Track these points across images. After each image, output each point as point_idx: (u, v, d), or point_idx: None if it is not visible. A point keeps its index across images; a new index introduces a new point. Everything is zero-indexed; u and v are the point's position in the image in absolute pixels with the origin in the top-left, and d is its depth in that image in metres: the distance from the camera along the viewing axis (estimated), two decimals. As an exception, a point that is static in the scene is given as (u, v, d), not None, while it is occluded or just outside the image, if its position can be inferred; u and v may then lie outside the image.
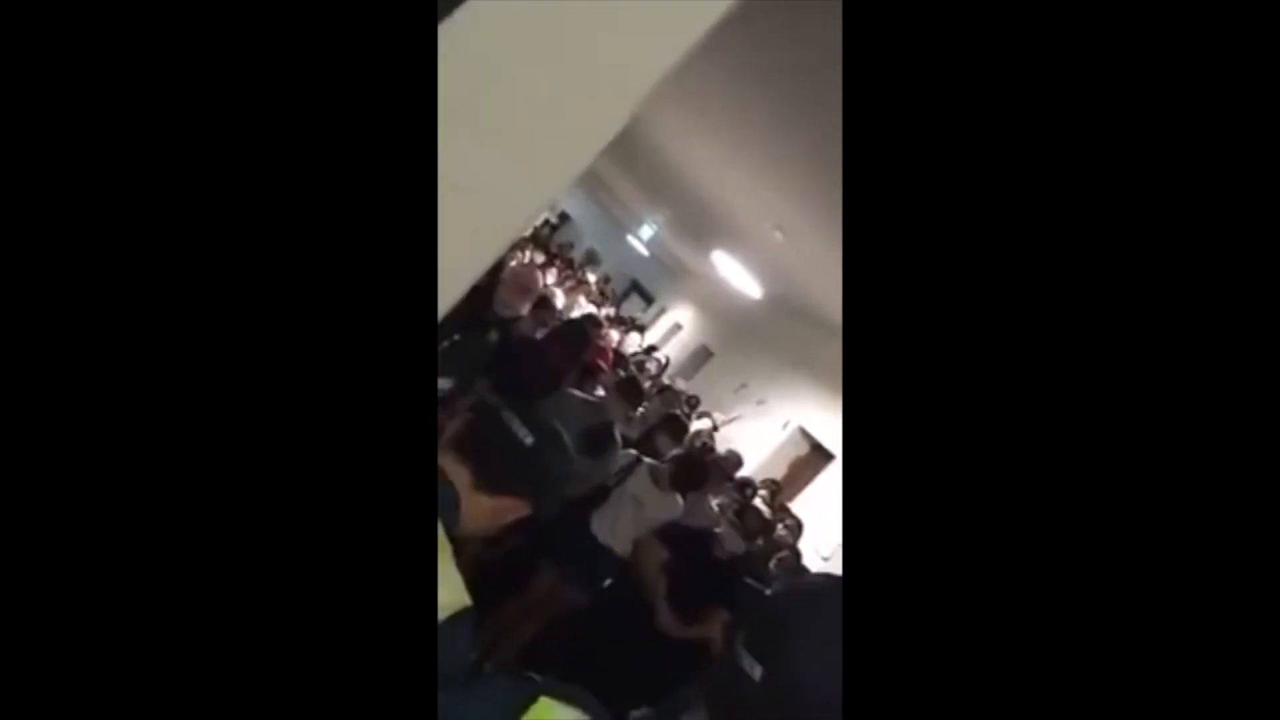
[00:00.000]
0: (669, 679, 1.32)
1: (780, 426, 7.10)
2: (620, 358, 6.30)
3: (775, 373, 7.74)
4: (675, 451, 3.70)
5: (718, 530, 3.36)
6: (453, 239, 0.74)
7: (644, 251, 14.31)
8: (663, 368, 7.71)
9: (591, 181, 11.84)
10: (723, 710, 0.67)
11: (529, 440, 1.11)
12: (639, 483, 3.34)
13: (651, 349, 8.52)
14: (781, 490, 5.23)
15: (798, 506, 5.09)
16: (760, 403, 7.60)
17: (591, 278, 9.37)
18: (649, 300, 14.53)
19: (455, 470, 1.09)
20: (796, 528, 3.92)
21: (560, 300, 5.72)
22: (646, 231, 12.51)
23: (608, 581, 3.29)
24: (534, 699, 0.66)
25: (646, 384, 5.44)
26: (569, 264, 8.84)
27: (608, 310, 8.37)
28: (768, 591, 0.75)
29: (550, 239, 10.17)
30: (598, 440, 3.18)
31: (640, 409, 4.36)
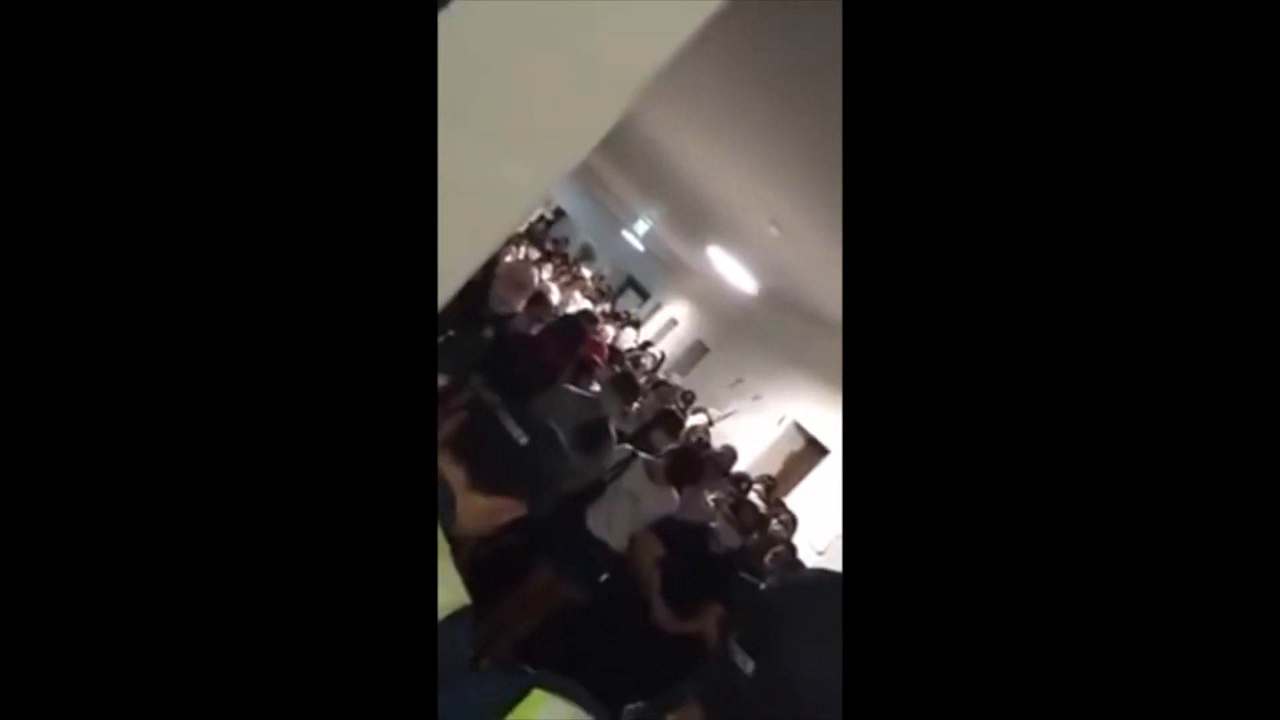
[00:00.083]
0: (664, 673, 1.32)
1: (775, 422, 7.11)
2: (615, 353, 6.30)
3: (771, 368, 7.75)
4: (671, 447, 3.70)
5: (713, 525, 3.37)
6: (446, 234, 0.74)
7: (639, 247, 14.29)
8: (658, 363, 7.71)
9: (586, 177, 11.82)
10: (716, 705, 0.67)
11: (523, 440, 1.12)
12: (634, 478, 3.34)
13: (647, 344, 8.52)
14: (777, 486, 5.24)
15: (793, 501, 5.10)
16: (756, 398, 7.61)
17: (586, 273, 9.36)
18: (644, 296, 14.52)
19: (450, 470, 1.09)
20: (791, 522, 3.94)
21: (555, 296, 5.71)
22: (642, 227, 12.49)
23: (604, 577, 3.29)
24: (527, 692, 0.66)
25: (642, 380, 5.44)
26: (564, 260, 8.83)
27: (603, 306, 8.37)
28: (762, 586, 0.76)
29: (545, 234, 10.16)
30: (593, 436, 3.18)
31: (636, 404, 4.36)
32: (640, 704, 0.75)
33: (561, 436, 1.20)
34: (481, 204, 1.04)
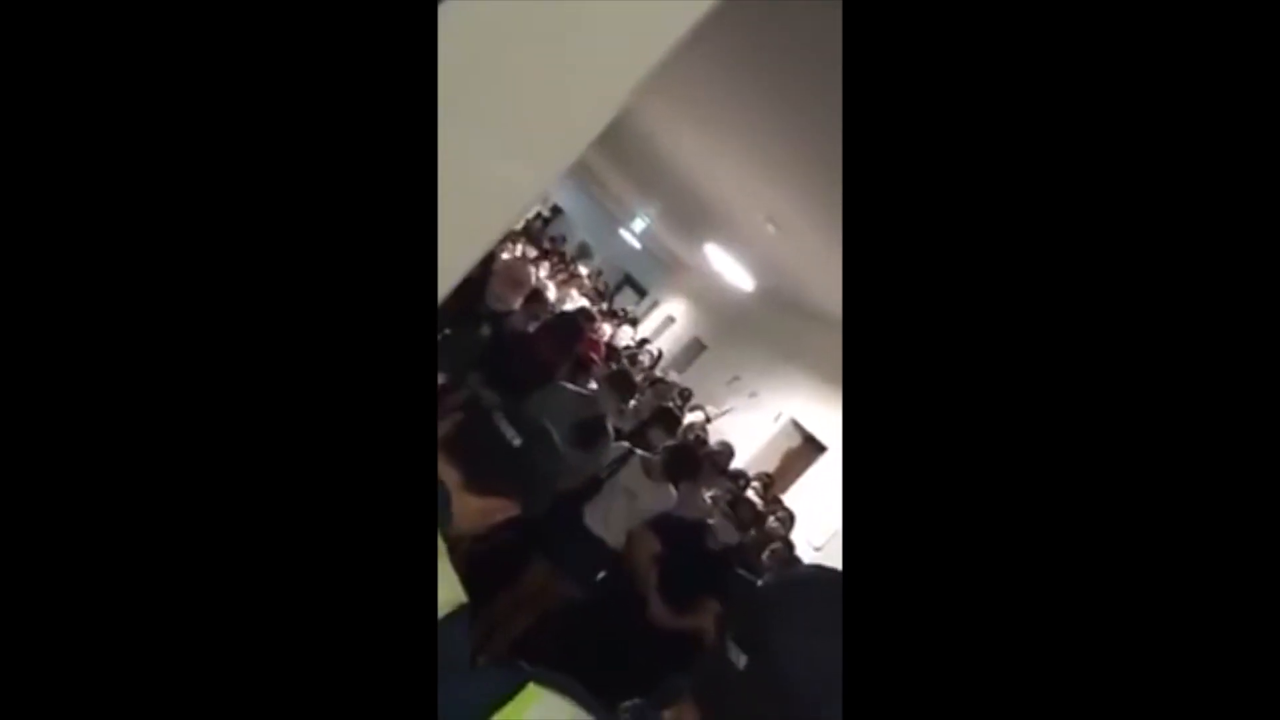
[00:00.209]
0: (662, 670, 1.33)
1: (773, 419, 7.12)
2: (612, 351, 6.30)
3: (768, 365, 7.76)
4: (668, 443, 3.71)
5: (710, 521, 3.37)
6: (443, 232, 0.74)
7: (636, 244, 14.29)
8: (655, 360, 7.72)
9: (583, 174, 11.82)
10: (709, 700, 0.68)
11: (517, 441, 1.13)
12: (631, 474, 3.34)
13: (644, 342, 8.52)
14: (774, 483, 5.24)
15: (790, 498, 5.11)
16: (753, 395, 7.62)
17: (584, 271, 9.35)
18: (642, 293, 14.52)
19: (445, 471, 1.10)
20: (789, 519, 3.94)
21: (552, 294, 5.71)
22: (639, 224, 12.49)
23: (601, 574, 3.30)
24: (522, 686, 0.66)
25: (639, 377, 5.44)
26: (561, 257, 8.82)
27: (600, 304, 8.37)
28: (759, 583, 0.76)
29: (542, 232, 10.15)
30: (589, 433, 3.19)
31: (633, 402, 4.36)
32: (637, 700, 0.75)
33: (556, 437, 1.21)
34: (476, 201, 1.04)
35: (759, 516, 3.79)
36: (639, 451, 3.46)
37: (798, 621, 0.66)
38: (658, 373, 7.01)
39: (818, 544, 5.09)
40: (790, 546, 3.70)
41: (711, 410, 6.64)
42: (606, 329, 7.01)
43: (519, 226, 6.92)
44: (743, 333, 9.09)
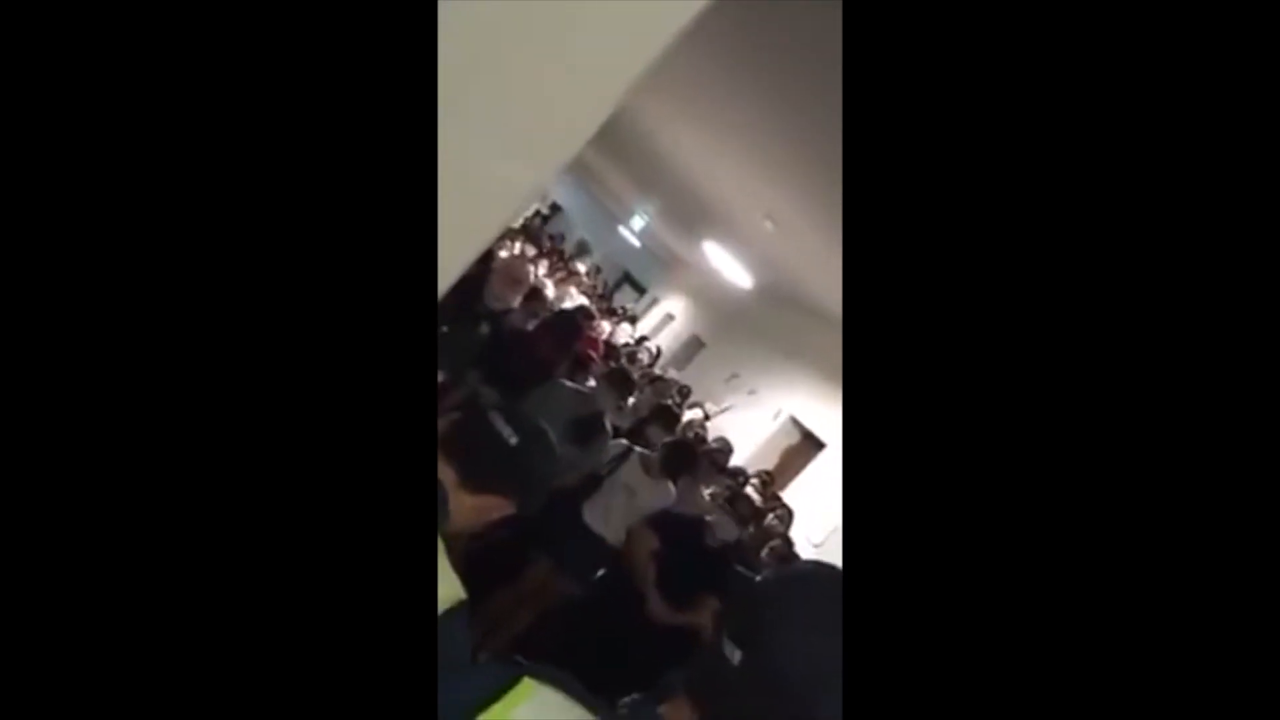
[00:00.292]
0: (661, 666, 1.33)
1: (772, 416, 7.12)
2: (611, 349, 6.31)
3: (767, 362, 7.76)
4: (666, 440, 3.71)
5: (709, 518, 3.38)
6: (440, 230, 0.74)
7: (635, 242, 14.28)
8: (654, 358, 7.72)
9: (582, 172, 11.80)
10: (704, 696, 0.68)
11: (513, 440, 1.14)
12: (631, 472, 3.35)
13: (643, 339, 8.52)
14: (774, 480, 5.25)
15: (789, 495, 5.11)
16: (752, 392, 7.62)
17: (582, 268, 9.35)
18: (641, 291, 14.51)
19: (441, 469, 1.11)
20: (787, 516, 3.94)
21: (551, 291, 5.71)
22: (638, 222, 12.48)
23: (600, 571, 3.30)
24: (518, 680, 0.67)
25: (638, 375, 5.45)
26: (560, 255, 8.82)
27: (599, 302, 8.36)
28: (758, 579, 0.76)
29: (541, 230, 10.14)
30: (588, 430, 3.19)
31: (632, 400, 4.36)
32: (636, 696, 0.75)
33: (552, 435, 1.22)
34: (473, 198, 1.04)
35: (757, 513, 3.79)
36: (638, 449, 3.47)
37: (793, 617, 0.66)
38: (657, 370, 7.01)
39: (816, 540, 5.09)
40: (789, 543, 3.70)
41: (710, 407, 6.65)
42: (605, 327, 7.01)
43: (517, 224, 6.91)
44: (741, 330, 9.10)
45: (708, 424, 5.95)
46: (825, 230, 4.48)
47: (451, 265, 1.08)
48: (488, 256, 3.67)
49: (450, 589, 1.00)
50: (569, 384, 3.44)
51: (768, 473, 5.17)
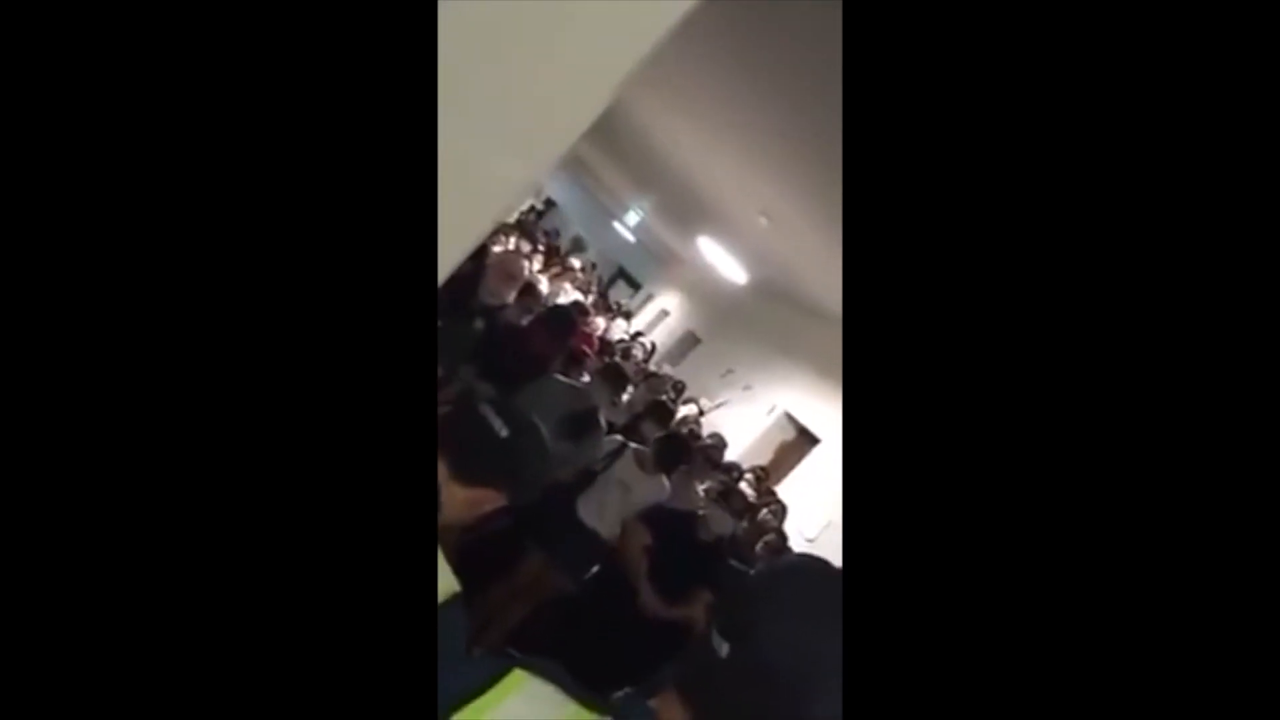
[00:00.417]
0: (654, 660, 1.34)
1: (766, 412, 7.13)
2: (606, 344, 6.30)
3: (761, 358, 7.77)
4: (659, 434, 3.72)
5: (702, 512, 3.39)
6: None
7: (630, 238, 14.27)
8: (649, 354, 7.71)
9: (577, 168, 11.78)
10: (692, 690, 0.68)
11: (504, 433, 1.14)
12: (625, 467, 3.35)
13: (637, 335, 8.51)
14: (768, 476, 5.26)
15: (784, 490, 5.12)
16: (746, 388, 7.63)
17: (577, 264, 9.34)
18: (636, 286, 14.50)
19: None
20: (781, 511, 3.95)
21: (546, 287, 5.70)
22: (633, 217, 12.47)
23: (595, 566, 3.31)
24: (508, 672, 0.67)
25: (632, 370, 5.44)
26: (555, 251, 8.80)
27: (593, 297, 8.35)
28: (751, 573, 0.77)
29: (536, 226, 10.12)
30: (581, 425, 3.18)
31: (626, 396, 4.36)
32: (628, 690, 0.76)
33: (543, 429, 1.23)
34: (466, 194, 1.04)
35: (751, 508, 3.80)
36: (632, 445, 3.47)
37: (781, 610, 0.67)
38: (651, 366, 7.00)
39: (810, 535, 5.11)
40: (783, 538, 3.71)
41: (705, 403, 6.65)
42: (600, 322, 7.00)
43: (512, 220, 6.90)
44: (737, 326, 9.10)
45: (702, 419, 5.95)
46: (820, 226, 4.48)
47: (445, 260, 1.08)
48: (482, 252, 3.67)
49: (444, 582, 1.00)
50: (563, 379, 3.44)
51: (762, 468, 5.18)
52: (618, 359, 5.30)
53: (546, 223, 12.51)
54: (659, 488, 3.36)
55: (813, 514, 5.11)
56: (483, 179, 1.07)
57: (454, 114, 0.99)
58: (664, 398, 4.98)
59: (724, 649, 0.65)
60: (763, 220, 5.45)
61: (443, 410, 1.18)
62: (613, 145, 8.02)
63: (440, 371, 3.09)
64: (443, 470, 1.12)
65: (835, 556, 0.71)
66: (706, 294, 10.57)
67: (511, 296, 3.86)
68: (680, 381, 6.73)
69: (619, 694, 0.76)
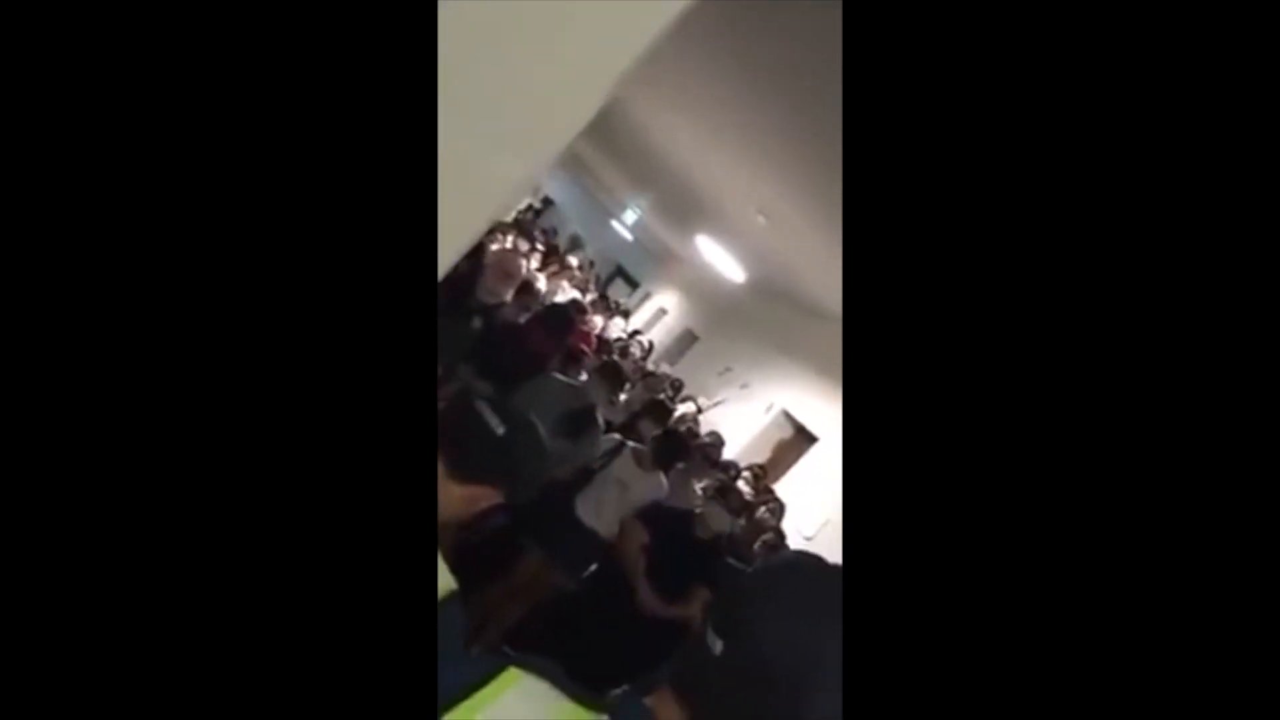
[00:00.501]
0: (652, 659, 1.34)
1: (764, 410, 7.13)
2: (604, 342, 6.30)
3: (759, 357, 7.77)
4: (656, 432, 3.72)
5: (699, 511, 3.39)
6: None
7: (628, 236, 14.26)
8: (646, 352, 7.71)
9: (575, 166, 11.78)
10: (686, 687, 0.68)
11: (500, 430, 1.14)
12: (623, 465, 3.35)
13: (635, 333, 8.51)
14: (766, 474, 5.26)
15: (782, 488, 5.12)
16: (744, 386, 7.63)
17: (575, 262, 9.33)
18: (634, 285, 14.50)
19: None
20: (779, 509, 3.95)
21: (543, 285, 5.70)
22: (630, 216, 12.46)
23: (593, 565, 3.31)
24: (503, 669, 0.67)
25: (630, 369, 5.44)
26: (553, 249, 8.79)
27: (592, 295, 8.35)
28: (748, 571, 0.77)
29: (534, 224, 10.11)
30: (579, 423, 3.19)
31: (624, 395, 4.36)
32: (625, 688, 0.76)
33: (540, 426, 1.23)
34: (462, 193, 1.04)
35: (749, 506, 3.80)
36: (630, 443, 3.47)
37: (776, 605, 0.67)
38: (649, 365, 7.00)
39: (809, 534, 5.11)
40: (781, 536, 3.72)
41: (703, 401, 6.65)
42: (598, 321, 7.00)
43: (510, 219, 6.89)
44: (734, 324, 9.10)
45: (700, 418, 5.96)
46: (818, 224, 4.48)
47: (443, 258, 1.08)
48: (480, 251, 3.67)
49: (440, 580, 1.00)
50: (561, 377, 3.44)
51: (760, 466, 5.18)
52: (615, 357, 5.30)
53: (544, 221, 12.50)
54: (657, 486, 3.36)
55: (811, 512, 5.12)
56: (480, 177, 1.07)
57: (452, 112, 0.99)
58: (662, 396, 4.98)
59: (718, 646, 0.66)
60: (760, 219, 5.45)
61: (439, 407, 1.18)
62: (611, 144, 8.01)
63: (439, 370, 3.09)
64: (439, 468, 1.12)
65: (833, 554, 0.71)
66: (704, 292, 10.57)
67: (509, 295, 3.86)
68: (678, 380, 6.73)
69: (617, 692, 0.75)
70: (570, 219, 14.93)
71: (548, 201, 14.61)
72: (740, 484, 4.04)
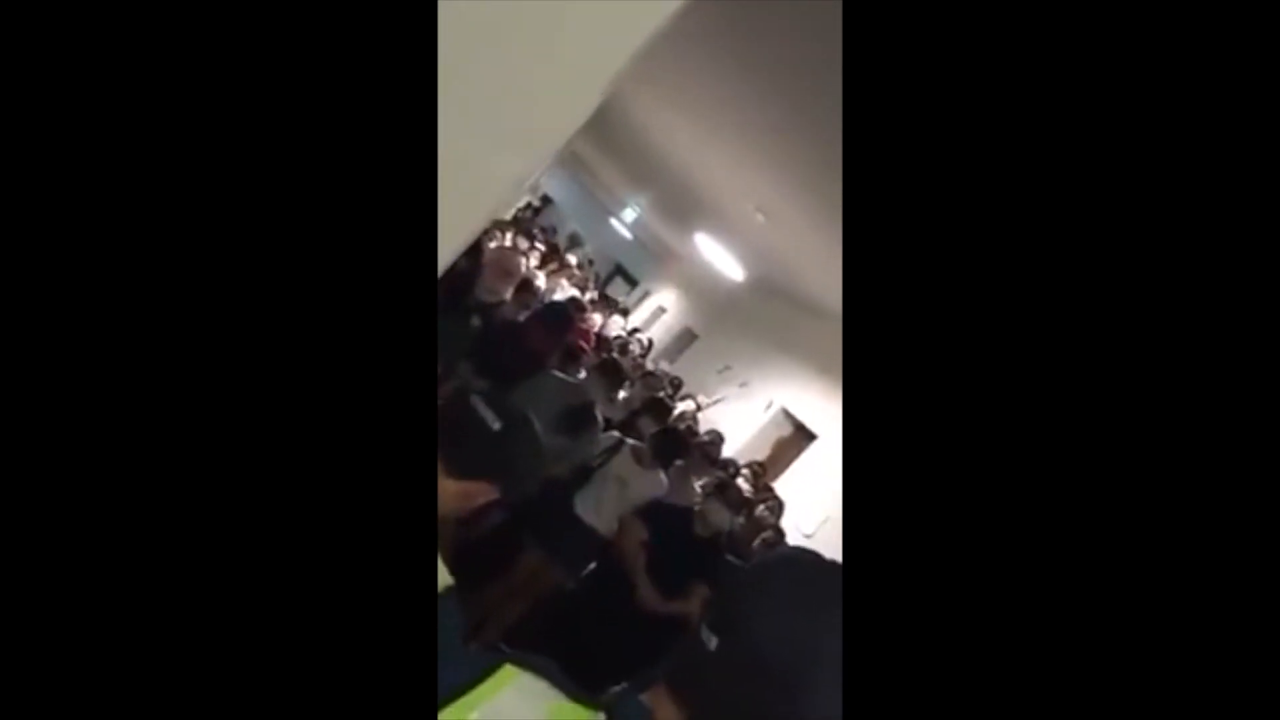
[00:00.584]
0: (652, 656, 1.34)
1: (763, 408, 7.13)
2: (603, 340, 6.30)
3: (759, 355, 7.77)
4: (655, 429, 3.72)
5: (698, 508, 3.39)
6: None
7: (627, 234, 14.26)
8: (646, 350, 7.71)
9: (574, 164, 11.78)
10: (682, 684, 0.68)
11: (496, 425, 1.15)
12: (622, 463, 3.36)
13: (634, 331, 8.51)
14: (765, 471, 5.27)
15: (781, 486, 5.13)
16: (743, 384, 7.63)
17: (574, 261, 9.33)
18: (633, 283, 14.50)
19: None
20: (778, 507, 3.96)
21: (543, 284, 5.70)
22: (629, 214, 12.47)
23: (592, 563, 3.31)
24: (499, 666, 0.67)
25: (629, 366, 5.44)
26: (552, 247, 8.79)
27: (591, 294, 8.35)
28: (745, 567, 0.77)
29: (533, 222, 10.11)
30: (578, 420, 3.19)
31: (623, 393, 4.36)
32: (622, 686, 0.76)
33: (536, 422, 1.23)
34: (460, 191, 1.04)
35: (749, 503, 3.81)
36: (630, 441, 3.48)
37: (772, 601, 0.67)
38: (648, 364, 7.00)
39: (808, 531, 5.12)
40: (781, 534, 3.72)
41: (703, 399, 6.66)
42: (597, 319, 7.00)
43: (509, 217, 6.89)
44: (733, 322, 9.10)
45: (699, 415, 5.96)
46: (817, 222, 4.49)
47: (441, 256, 1.08)
48: (479, 249, 3.67)
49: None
50: (558, 375, 3.44)
51: (759, 464, 5.19)
52: (615, 355, 5.30)
53: (543, 219, 12.51)
54: (656, 483, 3.37)
55: (810, 510, 5.12)
56: (479, 175, 1.07)
57: (451, 110, 0.99)
58: (661, 394, 4.98)
59: (713, 642, 0.66)
60: (759, 217, 5.45)
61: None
62: (610, 142, 8.01)
63: (437, 367, 3.09)
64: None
65: (833, 552, 0.71)
66: (703, 290, 10.57)
67: (508, 293, 3.86)
68: (677, 378, 6.73)
69: (616, 689, 0.76)
70: (569, 217, 14.93)
71: (547, 200, 14.61)
72: (740, 481, 4.04)
